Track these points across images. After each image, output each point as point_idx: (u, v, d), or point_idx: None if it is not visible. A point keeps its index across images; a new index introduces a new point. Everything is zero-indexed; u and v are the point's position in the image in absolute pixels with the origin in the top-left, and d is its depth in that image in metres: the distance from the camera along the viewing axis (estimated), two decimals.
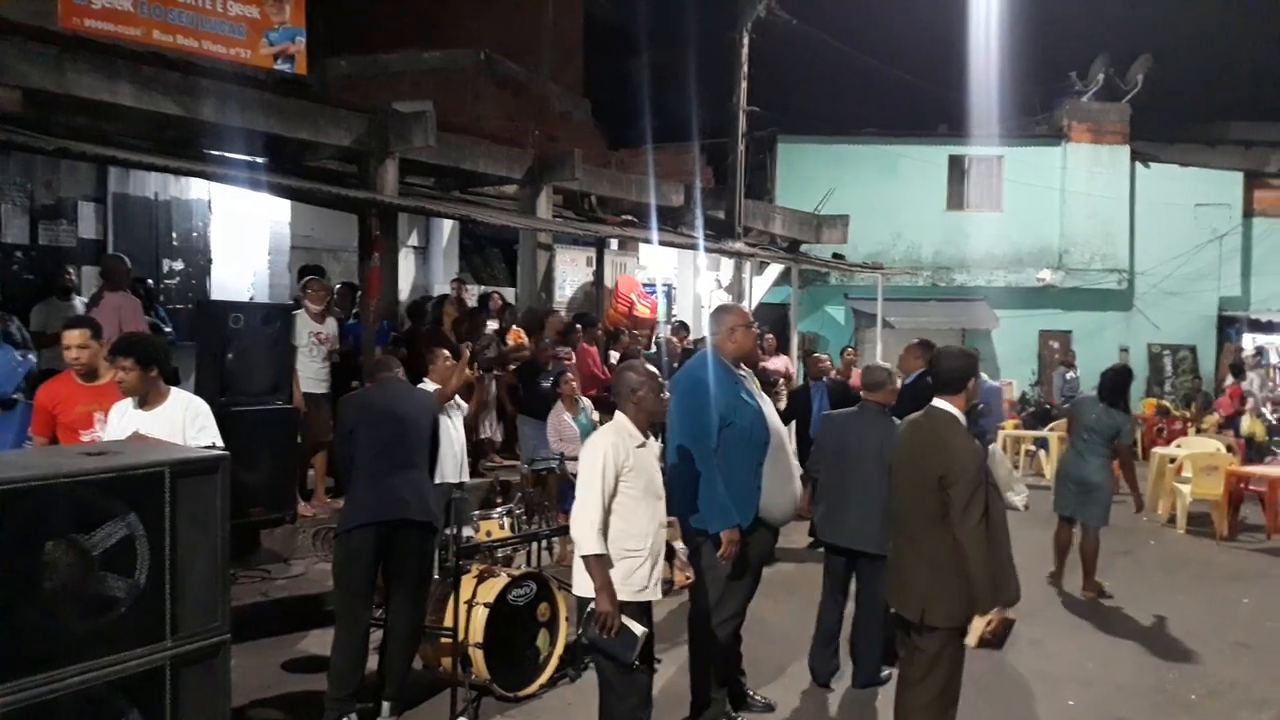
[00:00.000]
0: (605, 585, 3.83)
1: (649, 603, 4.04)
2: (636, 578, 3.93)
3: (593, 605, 3.84)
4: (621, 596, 3.86)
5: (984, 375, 10.96)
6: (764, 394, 5.01)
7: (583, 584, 3.93)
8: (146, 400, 4.60)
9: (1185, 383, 19.33)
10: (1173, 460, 11.01)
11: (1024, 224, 19.69)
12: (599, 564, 3.83)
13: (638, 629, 3.87)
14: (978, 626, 3.95)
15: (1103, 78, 20.23)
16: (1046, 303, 19.86)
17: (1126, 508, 8.38)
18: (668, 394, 4.41)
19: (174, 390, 4.76)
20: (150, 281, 9.91)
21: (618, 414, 4.11)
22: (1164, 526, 10.51)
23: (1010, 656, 6.13)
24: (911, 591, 4.08)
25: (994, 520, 4.00)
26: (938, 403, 4.14)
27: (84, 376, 4.93)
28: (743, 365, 4.92)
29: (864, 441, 5.42)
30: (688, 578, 4.28)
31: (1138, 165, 20.07)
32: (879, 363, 6.86)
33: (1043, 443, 13.72)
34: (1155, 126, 20.23)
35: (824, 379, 9.58)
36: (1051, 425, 13.84)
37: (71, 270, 8.77)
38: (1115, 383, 7.80)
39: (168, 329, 8.65)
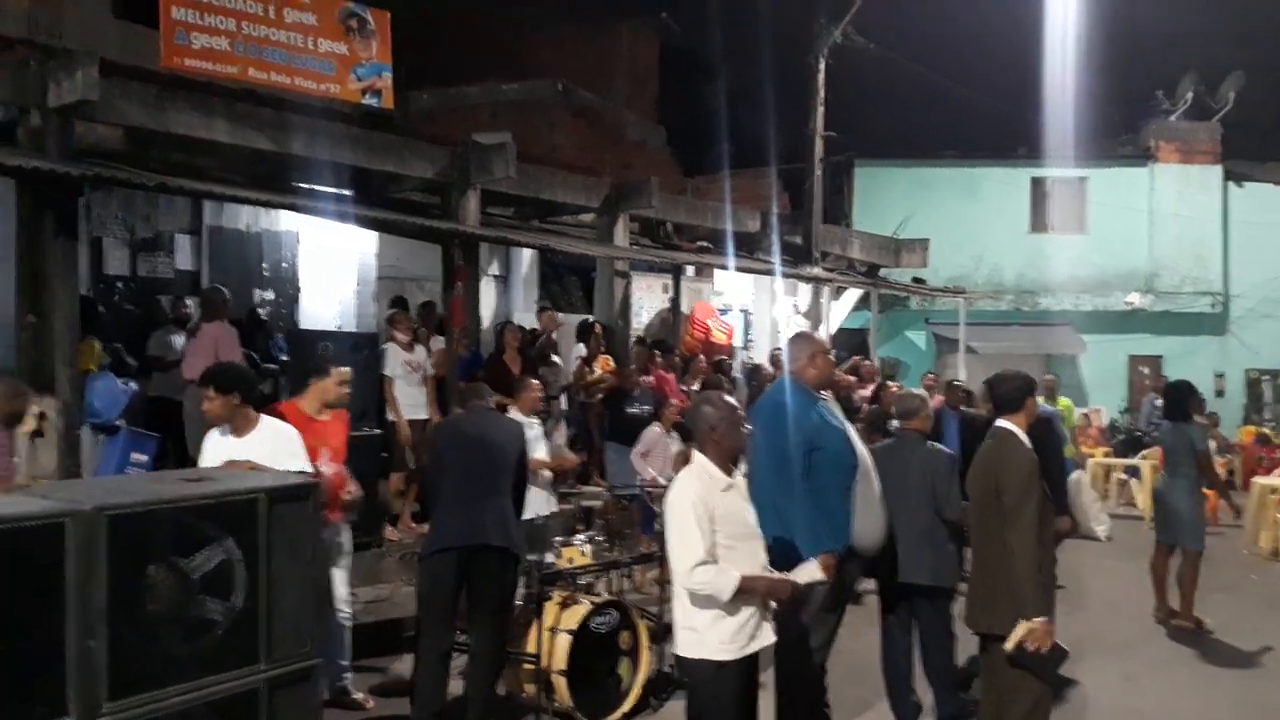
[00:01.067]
0: (768, 584, 3.68)
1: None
2: (748, 629, 3.66)
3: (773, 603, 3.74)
4: (732, 655, 3.61)
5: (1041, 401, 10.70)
6: (845, 419, 4.95)
7: (687, 643, 3.67)
8: (237, 427, 4.75)
9: None
10: (1274, 490, 10.56)
11: (1110, 247, 19.21)
12: (750, 582, 3.57)
13: (810, 571, 3.94)
14: (1019, 632, 3.90)
15: (1191, 96, 19.69)
16: (1135, 327, 19.29)
17: (1225, 540, 8.06)
18: (749, 426, 4.18)
19: (264, 417, 4.90)
20: (259, 311, 10.21)
21: (696, 456, 3.80)
22: (1266, 560, 10.06)
23: (1102, 692, 5.94)
24: (981, 606, 4.20)
25: (1044, 539, 4.13)
26: (1000, 422, 4.42)
27: (317, 412, 5.29)
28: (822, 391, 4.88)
29: (907, 470, 5.33)
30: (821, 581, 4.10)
31: (1231, 185, 19.45)
32: (912, 390, 6.81)
33: (1134, 471, 13.31)
34: (1248, 145, 19.60)
35: (960, 408, 8.94)
36: (1144, 453, 13.40)
37: (190, 302, 9.02)
38: (1174, 399, 7.77)
39: (284, 358, 8.86)
